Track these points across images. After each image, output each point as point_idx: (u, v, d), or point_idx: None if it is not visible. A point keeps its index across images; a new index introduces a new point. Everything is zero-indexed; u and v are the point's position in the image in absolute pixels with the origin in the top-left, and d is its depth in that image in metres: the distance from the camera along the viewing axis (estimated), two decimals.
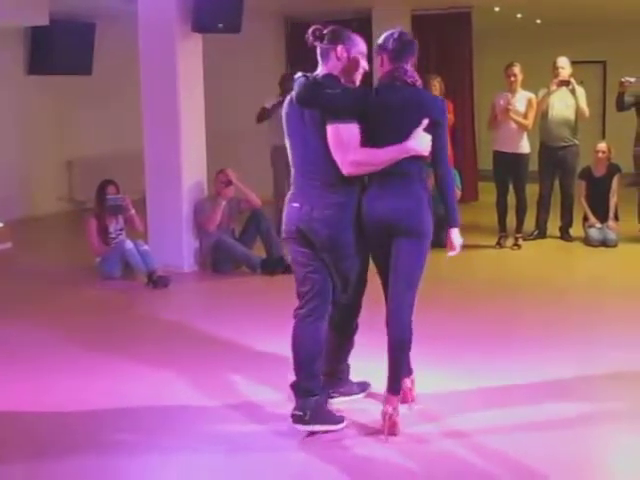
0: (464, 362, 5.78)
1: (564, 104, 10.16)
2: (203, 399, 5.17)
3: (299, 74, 4.61)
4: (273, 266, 8.72)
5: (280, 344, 6.12)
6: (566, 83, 10.10)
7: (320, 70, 4.68)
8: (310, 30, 4.69)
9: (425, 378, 5.27)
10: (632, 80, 10.04)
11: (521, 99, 9.94)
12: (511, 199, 10.10)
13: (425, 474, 4.18)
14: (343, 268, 4.62)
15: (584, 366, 5.65)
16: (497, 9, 14.67)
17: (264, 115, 11.07)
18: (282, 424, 4.67)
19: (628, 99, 10.15)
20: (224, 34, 9.07)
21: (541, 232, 10.52)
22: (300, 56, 14.42)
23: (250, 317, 7.05)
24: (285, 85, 11.20)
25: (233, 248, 8.78)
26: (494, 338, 6.36)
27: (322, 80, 4.56)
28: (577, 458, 4.30)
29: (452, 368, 5.66)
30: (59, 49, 12.60)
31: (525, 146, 9.95)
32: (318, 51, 4.72)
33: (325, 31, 4.68)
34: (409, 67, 4.68)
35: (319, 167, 4.54)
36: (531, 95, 10.03)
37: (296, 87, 4.57)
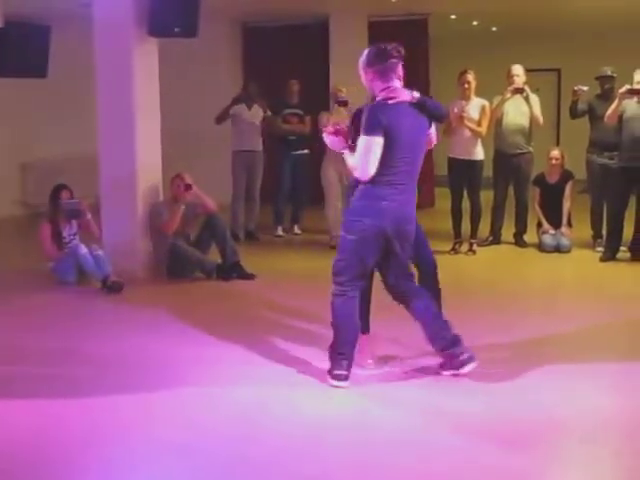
0: (418, 365, 5.78)
1: (518, 111, 10.27)
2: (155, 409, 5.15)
3: (416, 94, 5.36)
4: (228, 271, 8.70)
5: (231, 349, 6.16)
6: (520, 91, 10.21)
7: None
8: (394, 48, 5.27)
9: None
10: (585, 88, 10.16)
11: (475, 106, 10.02)
12: (466, 205, 10.17)
13: None
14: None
15: (535, 368, 5.68)
16: (453, 17, 14.81)
17: (224, 116, 11.08)
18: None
19: (581, 107, 10.27)
20: (181, 38, 9.03)
21: (496, 238, 10.62)
22: (256, 60, 14.53)
23: (202, 323, 6.98)
24: (248, 90, 11.23)
25: (188, 253, 8.74)
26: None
27: None
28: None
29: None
30: (13, 52, 12.44)
31: (479, 153, 10.03)
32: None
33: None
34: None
35: (418, 171, 5.40)
36: (485, 102, 10.11)
37: (435, 104, 5.49)
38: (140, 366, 5.82)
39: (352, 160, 5.21)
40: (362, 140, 5.13)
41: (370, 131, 5.09)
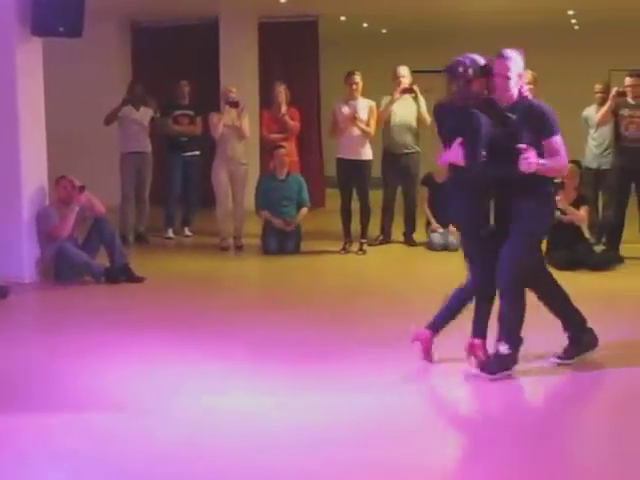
0: (307, 365, 5.79)
1: (406, 112, 10.41)
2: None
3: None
4: (116, 275, 8.56)
5: (117, 354, 6.08)
6: (410, 91, 10.34)
7: None
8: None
9: (267, 382, 5.33)
10: None
11: (363, 107, 10.10)
12: (356, 205, 10.24)
13: None
14: None
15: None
16: (343, 18, 14.91)
17: (113, 117, 10.93)
18: None
19: None
20: (66, 38, 8.87)
21: (385, 237, 10.72)
22: (146, 61, 14.37)
23: (88, 327, 6.85)
24: (134, 91, 11.09)
25: (75, 257, 8.57)
26: (332, 341, 6.40)
27: None
28: None
29: (298, 371, 5.66)
30: None
31: (368, 153, 10.12)
32: None
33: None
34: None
35: None
36: (372, 103, 10.21)
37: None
38: (27, 381, 5.63)
39: (561, 161, 5.39)
40: (559, 139, 5.39)
41: (558, 129, 5.41)
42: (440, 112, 5.66)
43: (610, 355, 6.00)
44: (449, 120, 5.47)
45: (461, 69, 5.35)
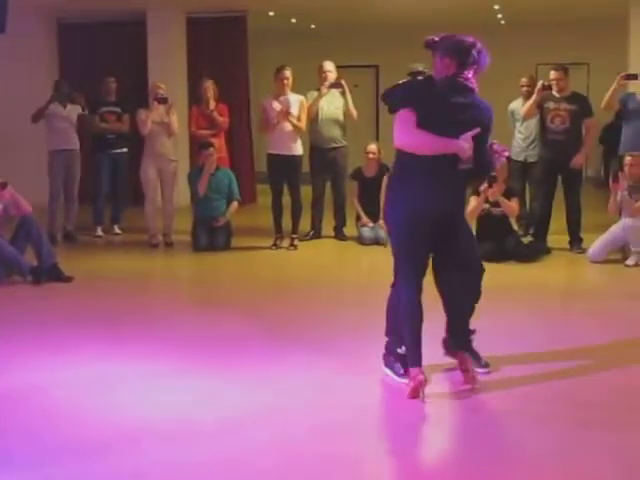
0: (243, 364, 5.76)
1: (333, 106, 10.43)
2: None
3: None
4: (44, 274, 8.41)
5: (42, 355, 5.98)
6: (338, 85, 10.35)
7: None
8: (425, 41, 5.11)
9: (192, 381, 5.31)
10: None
11: (294, 102, 10.08)
12: (287, 200, 10.22)
13: None
14: None
15: (355, 359, 5.77)
16: (272, 13, 14.89)
17: (41, 114, 10.77)
18: None
19: None
20: None
21: (316, 232, 10.72)
22: (73, 58, 14.19)
23: (12, 328, 6.74)
24: (59, 89, 10.94)
25: (2, 249, 8.34)
26: (262, 339, 6.37)
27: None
28: None
29: (230, 371, 5.62)
30: None
31: (298, 148, 10.11)
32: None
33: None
34: (471, 75, 5.03)
35: None
36: (301, 97, 10.20)
37: None
38: None
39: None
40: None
41: None
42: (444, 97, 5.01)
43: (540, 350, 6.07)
44: (458, 108, 4.96)
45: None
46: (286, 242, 10.22)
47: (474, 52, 4.96)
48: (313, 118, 10.37)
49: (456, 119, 4.93)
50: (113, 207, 11.52)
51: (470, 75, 5.00)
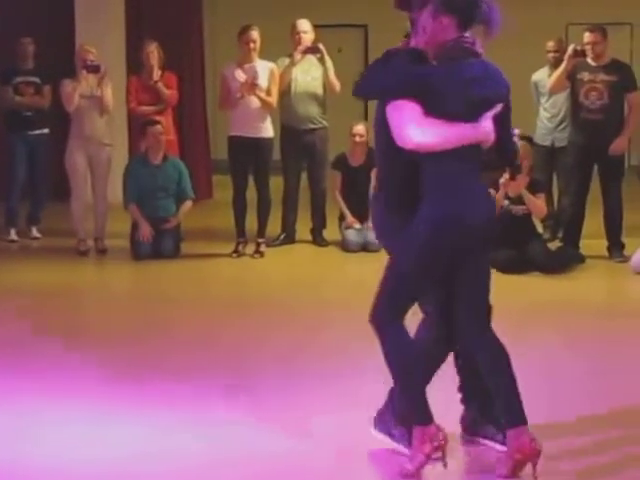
0: (189, 407, 5.71)
1: (310, 77, 10.41)
2: None
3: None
4: None
5: None
6: (315, 50, 10.31)
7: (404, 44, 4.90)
8: None
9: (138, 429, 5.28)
10: None
11: (262, 71, 10.03)
12: (252, 195, 10.19)
13: None
14: None
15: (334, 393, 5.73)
16: None
17: None
18: None
19: None
20: None
21: (289, 236, 10.69)
22: None
23: None
24: None
25: None
26: (225, 374, 6.34)
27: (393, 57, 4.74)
28: None
29: (172, 416, 5.58)
30: None
31: (268, 129, 10.07)
32: (410, 21, 4.85)
33: None
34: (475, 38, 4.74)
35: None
36: (272, 65, 10.16)
37: None
38: None
39: None
40: None
41: None
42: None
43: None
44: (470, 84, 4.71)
45: None
46: (250, 248, 10.18)
47: (483, 6, 4.69)
48: (284, 91, 10.33)
49: (473, 97, 4.67)
50: (31, 204, 11.45)
51: (474, 39, 4.76)
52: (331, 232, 10.68)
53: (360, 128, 10.54)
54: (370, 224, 10.24)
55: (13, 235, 11.15)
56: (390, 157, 4.74)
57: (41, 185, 11.41)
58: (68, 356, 6.67)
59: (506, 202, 9.24)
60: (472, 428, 5.09)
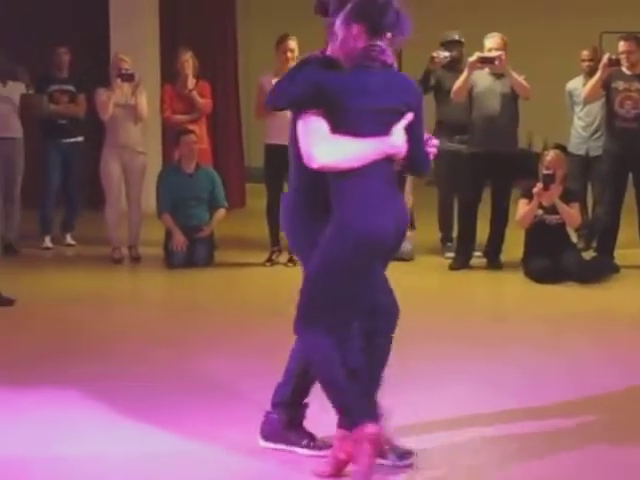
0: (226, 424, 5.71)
1: None
2: None
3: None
4: None
5: None
6: None
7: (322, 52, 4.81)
8: (313, 3, 4.78)
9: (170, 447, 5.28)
10: (447, 55, 10.31)
11: None
12: None
13: None
14: None
15: None
16: None
17: None
18: None
19: (431, 80, 10.43)
20: None
21: None
22: (12, 21, 14.13)
23: None
24: None
25: None
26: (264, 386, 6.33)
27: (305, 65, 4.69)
28: None
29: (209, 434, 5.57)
30: None
31: None
32: (326, 28, 4.79)
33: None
34: (384, 44, 4.64)
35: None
36: None
37: None
38: None
39: None
40: None
41: None
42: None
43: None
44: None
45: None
46: (284, 257, 10.18)
47: (393, 13, 4.58)
48: None
49: (379, 108, 4.58)
50: (65, 211, 11.51)
51: (385, 45, 4.63)
52: None
53: None
54: (407, 233, 10.29)
55: (48, 242, 11.20)
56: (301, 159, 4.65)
57: (75, 193, 11.46)
58: (102, 363, 6.69)
59: (540, 212, 9.22)
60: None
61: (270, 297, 9.00)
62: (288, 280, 9.61)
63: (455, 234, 10.21)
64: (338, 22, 4.57)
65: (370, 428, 4.52)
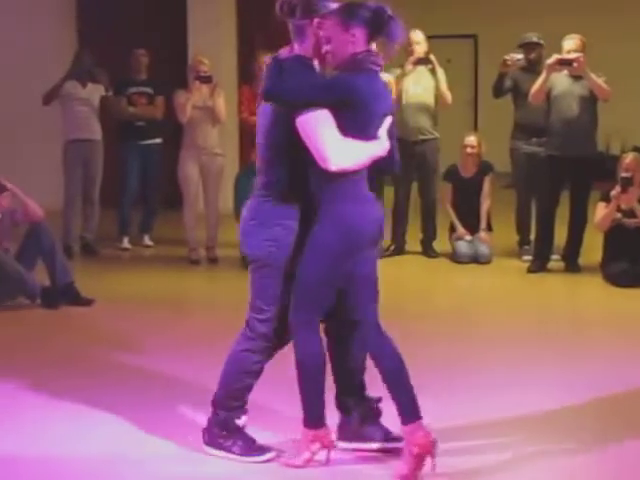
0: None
1: (421, 88, 10.39)
2: None
3: (267, 57, 4.86)
4: (58, 295, 8.49)
5: (57, 403, 5.95)
6: (425, 61, 10.30)
7: (288, 51, 4.84)
8: (277, 4, 4.84)
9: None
10: (519, 57, 10.27)
11: None
12: None
13: None
14: None
15: (441, 409, 5.70)
16: None
17: (54, 94, 10.88)
18: None
19: (507, 82, 10.39)
20: None
21: (398, 247, 10.68)
22: (94, 24, 14.30)
23: (17, 367, 6.74)
24: (81, 62, 11.05)
25: (4, 265, 8.41)
26: None
27: (287, 64, 4.70)
28: None
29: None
30: None
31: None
32: (291, 29, 4.86)
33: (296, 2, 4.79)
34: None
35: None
36: (388, 76, 10.11)
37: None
38: None
39: None
40: None
41: None
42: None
43: None
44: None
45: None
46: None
47: (389, 19, 4.71)
48: (395, 103, 10.29)
49: (381, 111, 4.73)
50: (143, 212, 11.61)
51: (377, 52, 4.82)
52: (441, 243, 10.66)
53: (472, 139, 10.52)
54: (482, 235, 10.26)
55: (126, 243, 11.31)
56: (285, 153, 4.75)
57: (153, 194, 11.55)
58: (179, 364, 6.73)
59: (618, 215, 9.15)
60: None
61: None
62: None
63: (533, 237, 10.16)
64: (332, 25, 4.67)
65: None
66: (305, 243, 4.76)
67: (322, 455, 4.89)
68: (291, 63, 4.71)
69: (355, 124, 4.60)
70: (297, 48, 4.81)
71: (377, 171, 4.99)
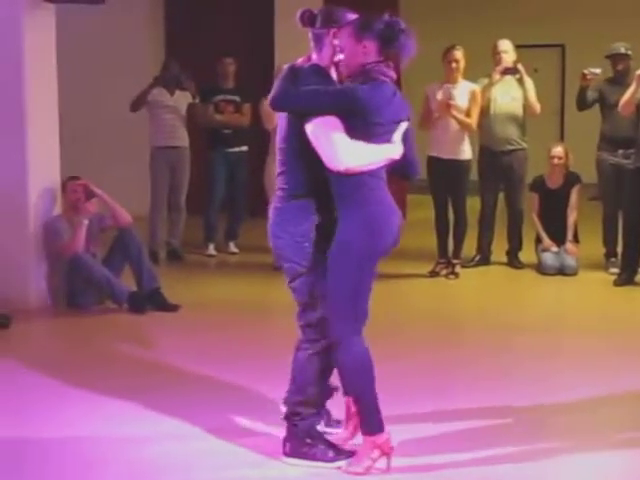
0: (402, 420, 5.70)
1: (509, 98, 10.32)
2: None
3: (285, 65, 5.00)
4: (145, 301, 8.59)
5: (146, 414, 5.97)
6: (512, 71, 10.25)
7: (305, 60, 5.04)
8: (299, 13, 5.00)
9: None
10: (597, 72, 10.16)
11: (463, 92, 10.02)
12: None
13: None
14: None
15: (536, 428, 5.68)
16: None
17: (142, 101, 10.98)
18: None
19: (591, 94, 10.29)
20: (84, 5, 8.96)
21: (484, 257, 10.65)
22: (182, 33, 14.46)
23: (106, 372, 6.83)
24: (170, 70, 11.15)
25: (93, 270, 8.51)
26: (431, 393, 6.33)
27: (301, 72, 4.89)
28: None
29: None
30: None
31: (466, 151, 10.05)
32: (310, 37, 5.06)
33: (317, 12, 4.98)
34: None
35: None
36: (475, 86, 10.11)
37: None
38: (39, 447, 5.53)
39: None
40: None
41: None
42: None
43: None
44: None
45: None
46: (445, 269, 10.15)
47: (402, 33, 4.82)
48: (483, 112, 10.26)
49: (392, 117, 4.86)
50: (229, 220, 11.68)
51: (389, 63, 4.88)
52: (527, 254, 10.59)
53: (558, 150, 10.44)
54: (569, 246, 10.18)
55: (211, 250, 11.39)
56: (303, 157, 4.86)
57: (240, 201, 11.62)
58: (262, 370, 6.80)
59: None
60: None
61: (433, 309, 8.94)
62: (447, 292, 9.65)
63: (620, 249, 10.06)
64: (346, 36, 4.84)
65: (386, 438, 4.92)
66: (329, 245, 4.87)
67: (383, 462, 4.93)
68: (305, 71, 4.91)
69: (362, 131, 4.74)
70: (315, 57, 5.00)
71: (399, 176, 5.19)
